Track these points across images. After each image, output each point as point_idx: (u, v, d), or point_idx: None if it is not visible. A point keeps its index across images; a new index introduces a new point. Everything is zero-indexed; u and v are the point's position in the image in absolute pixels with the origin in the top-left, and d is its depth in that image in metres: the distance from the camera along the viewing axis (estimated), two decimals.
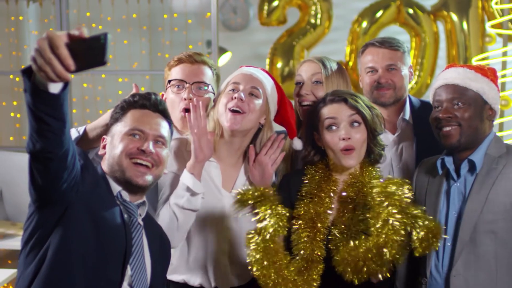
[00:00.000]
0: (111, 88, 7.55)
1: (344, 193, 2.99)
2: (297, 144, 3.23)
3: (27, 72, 2.02)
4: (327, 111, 2.99)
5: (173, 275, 3.13)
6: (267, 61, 7.48)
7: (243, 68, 3.16)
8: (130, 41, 7.61)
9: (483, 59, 6.53)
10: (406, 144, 3.56)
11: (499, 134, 5.51)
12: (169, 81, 3.27)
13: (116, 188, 2.64)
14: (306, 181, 3.05)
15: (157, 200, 3.10)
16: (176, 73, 3.27)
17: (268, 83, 3.11)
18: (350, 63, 7.29)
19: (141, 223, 2.67)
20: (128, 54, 7.47)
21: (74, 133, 3.01)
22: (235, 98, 3.00)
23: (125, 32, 7.67)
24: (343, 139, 2.93)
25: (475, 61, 6.40)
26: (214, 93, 3.27)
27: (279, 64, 7.41)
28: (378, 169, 3.05)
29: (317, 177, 3.04)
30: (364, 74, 3.59)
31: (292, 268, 2.86)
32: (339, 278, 2.84)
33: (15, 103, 7.59)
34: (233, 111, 3.00)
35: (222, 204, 3.05)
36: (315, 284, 2.88)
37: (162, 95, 3.34)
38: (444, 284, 2.99)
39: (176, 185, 3.03)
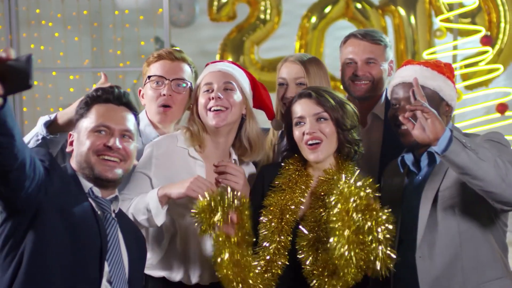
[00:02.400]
0: (62, 86, 7.48)
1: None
2: (275, 125, 3.29)
3: None
4: (296, 108, 3.03)
5: (153, 271, 3.12)
6: (218, 57, 7.51)
7: (210, 66, 3.17)
8: (81, 38, 7.54)
9: (433, 53, 6.67)
10: (374, 139, 3.58)
11: None
12: (149, 77, 3.27)
13: (87, 185, 2.62)
14: (280, 173, 3.07)
15: None
16: (155, 69, 3.27)
17: (238, 72, 3.12)
18: None
19: (115, 218, 2.67)
20: (79, 51, 7.41)
21: (45, 118, 3.02)
22: (212, 98, 3.01)
23: (75, 29, 7.61)
24: (308, 133, 2.97)
25: (426, 54, 6.54)
26: (192, 90, 3.29)
27: (230, 60, 7.44)
28: (354, 165, 3.06)
29: (291, 169, 3.06)
30: (344, 64, 3.60)
31: (256, 271, 2.89)
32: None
33: None
34: (215, 110, 3.02)
35: None
36: (273, 283, 2.91)
37: (140, 91, 3.36)
38: (409, 267, 3.04)
39: (142, 187, 3.04)
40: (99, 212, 2.60)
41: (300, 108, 3.02)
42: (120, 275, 2.60)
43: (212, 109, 3.01)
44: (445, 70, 3.09)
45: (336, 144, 3.02)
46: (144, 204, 2.95)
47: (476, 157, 2.65)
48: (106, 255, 2.55)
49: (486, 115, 6.85)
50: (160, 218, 2.96)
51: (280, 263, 2.93)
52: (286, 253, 2.94)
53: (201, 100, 3.06)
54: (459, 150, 2.66)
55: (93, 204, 2.60)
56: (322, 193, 2.99)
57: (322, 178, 3.03)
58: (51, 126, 3.01)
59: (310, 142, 2.97)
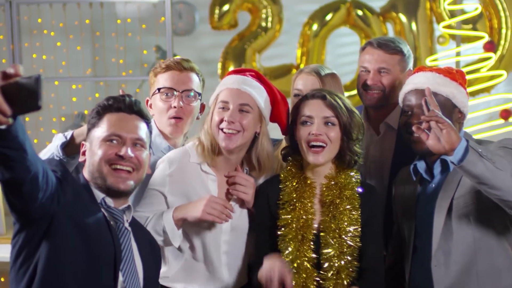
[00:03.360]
0: (64, 95, 7.45)
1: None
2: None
3: None
4: (305, 107, 3.01)
5: (169, 283, 3.11)
6: (219, 65, 7.51)
7: (229, 80, 3.11)
8: (83, 47, 7.53)
9: (435, 59, 6.68)
10: (386, 148, 3.55)
11: None
12: (158, 89, 3.25)
13: (99, 195, 2.62)
14: (284, 188, 3.04)
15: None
16: (164, 80, 3.24)
17: (258, 91, 3.06)
18: (302, 65, 7.34)
19: (129, 228, 2.66)
20: (81, 61, 7.40)
21: (61, 138, 3.01)
22: (226, 120, 2.98)
23: (77, 38, 7.59)
24: (313, 134, 2.95)
25: (429, 61, 6.55)
26: (201, 99, 3.28)
27: (231, 68, 7.42)
28: (355, 171, 3.06)
29: (294, 182, 3.03)
30: (359, 72, 3.59)
31: None
32: None
33: None
34: (227, 133, 2.99)
35: None
36: None
37: (147, 101, 3.34)
38: (424, 275, 3.04)
39: (156, 204, 3.06)
40: (112, 222, 2.60)
41: (311, 108, 3.00)
42: (134, 284, 2.60)
43: (224, 130, 2.99)
44: (457, 76, 3.08)
45: (338, 150, 3.01)
46: (160, 227, 2.98)
47: (493, 166, 2.63)
48: (120, 265, 2.55)
49: (489, 121, 6.86)
50: (176, 240, 3.00)
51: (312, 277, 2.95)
52: (313, 266, 2.96)
53: (215, 117, 3.03)
54: (476, 160, 2.63)
55: (106, 214, 2.60)
56: (330, 201, 2.99)
57: (326, 185, 3.02)
58: (67, 147, 3.00)
59: (313, 143, 2.95)
